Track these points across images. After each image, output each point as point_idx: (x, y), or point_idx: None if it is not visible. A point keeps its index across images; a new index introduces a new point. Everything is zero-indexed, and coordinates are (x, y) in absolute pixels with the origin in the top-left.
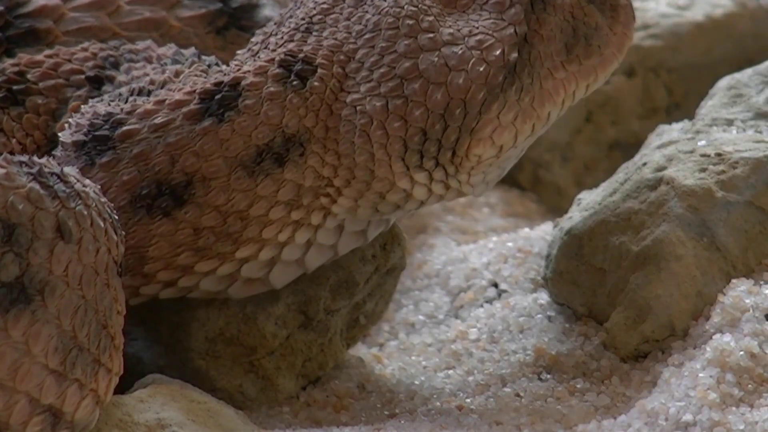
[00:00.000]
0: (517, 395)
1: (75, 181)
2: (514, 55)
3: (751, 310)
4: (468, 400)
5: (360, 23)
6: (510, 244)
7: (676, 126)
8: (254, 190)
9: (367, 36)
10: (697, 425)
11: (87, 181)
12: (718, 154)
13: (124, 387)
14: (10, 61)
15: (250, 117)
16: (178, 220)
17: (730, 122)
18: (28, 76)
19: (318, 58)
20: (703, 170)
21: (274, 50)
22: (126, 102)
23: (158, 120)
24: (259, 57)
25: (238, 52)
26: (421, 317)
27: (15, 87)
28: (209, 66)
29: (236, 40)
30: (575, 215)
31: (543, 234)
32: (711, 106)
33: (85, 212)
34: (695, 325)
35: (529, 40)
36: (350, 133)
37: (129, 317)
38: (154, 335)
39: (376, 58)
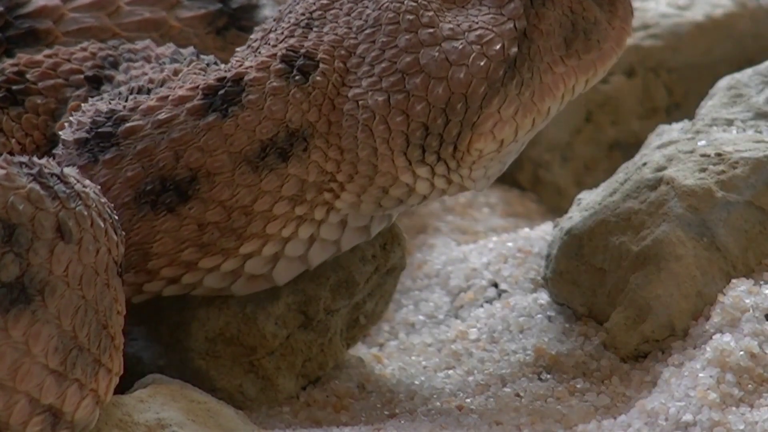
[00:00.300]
0: (517, 395)
1: (75, 181)
2: (514, 49)
3: (751, 310)
4: (468, 400)
5: (360, 18)
6: (510, 244)
7: (676, 126)
8: (258, 185)
9: (367, 31)
10: (697, 425)
11: (87, 182)
12: (718, 154)
13: (124, 387)
14: (10, 61)
15: (253, 112)
16: (182, 216)
17: (730, 122)
18: (28, 76)
19: (319, 53)
20: (703, 170)
21: (274, 46)
22: (127, 100)
23: (162, 116)
24: (259, 53)
25: (238, 49)
26: (421, 317)
27: (14, 87)
28: (207, 65)
29: (236, 40)
30: (575, 215)
31: (543, 234)
32: (711, 106)
33: (85, 212)
34: (695, 325)
35: (528, 35)
36: (353, 128)
37: (129, 317)
38: (154, 335)
39: (377, 53)
